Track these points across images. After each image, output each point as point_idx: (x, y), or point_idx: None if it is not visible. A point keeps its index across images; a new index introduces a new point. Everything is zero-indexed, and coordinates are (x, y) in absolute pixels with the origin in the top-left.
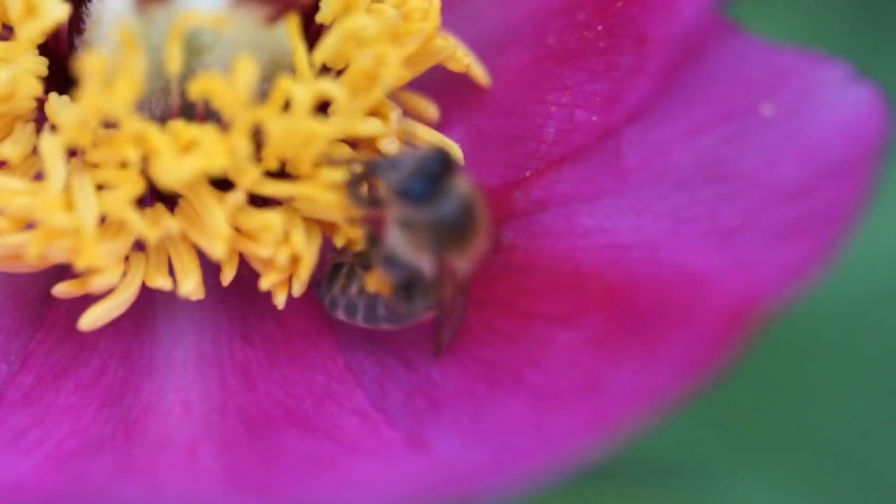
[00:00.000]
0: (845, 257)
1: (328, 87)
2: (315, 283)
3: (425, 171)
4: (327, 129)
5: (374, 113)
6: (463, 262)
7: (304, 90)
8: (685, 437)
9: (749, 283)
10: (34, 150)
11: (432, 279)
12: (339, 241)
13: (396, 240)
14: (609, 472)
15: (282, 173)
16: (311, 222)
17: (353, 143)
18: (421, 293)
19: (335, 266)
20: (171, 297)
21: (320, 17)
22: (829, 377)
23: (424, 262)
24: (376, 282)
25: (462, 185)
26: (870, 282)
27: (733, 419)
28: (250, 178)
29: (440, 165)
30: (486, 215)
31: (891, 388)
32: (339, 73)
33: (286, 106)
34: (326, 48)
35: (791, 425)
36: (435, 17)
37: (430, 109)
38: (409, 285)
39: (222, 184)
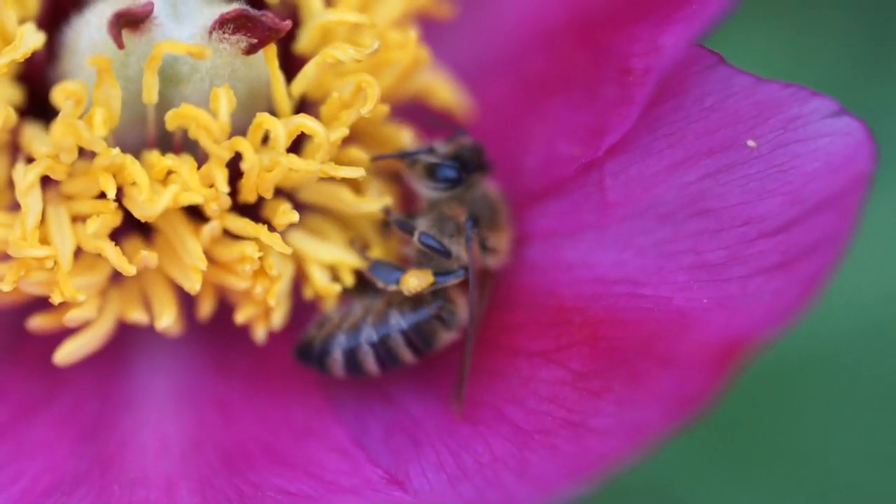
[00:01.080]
0: (836, 285)
1: (307, 123)
2: (302, 342)
3: (462, 156)
4: (305, 166)
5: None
6: (489, 258)
7: (282, 126)
8: (673, 463)
9: (734, 320)
10: (8, 180)
11: (464, 268)
12: (308, 290)
13: (429, 226)
14: (594, 500)
15: (257, 205)
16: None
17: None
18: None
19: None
20: (148, 330)
21: (299, 48)
22: (821, 404)
23: (455, 247)
24: (415, 279)
25: (489, 182)
26: (861, 308)
27: (723, 444)
28: (225, 212)
29: (475, 155)
30: (508, 213)
31: (884, 413)
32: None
33: (264, 139)
34: (305, 79)
35: (782, 451)
36: (413, 47)
37: (407, 139)
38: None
39: (198, 212)
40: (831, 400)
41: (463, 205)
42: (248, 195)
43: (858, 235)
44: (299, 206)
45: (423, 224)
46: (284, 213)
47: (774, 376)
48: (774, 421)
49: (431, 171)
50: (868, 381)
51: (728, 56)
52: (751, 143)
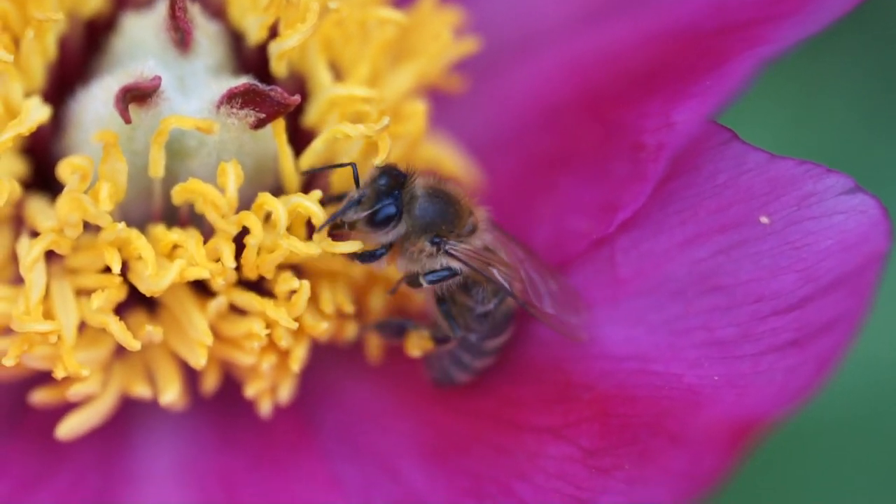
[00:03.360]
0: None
1: (306, 205)
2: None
3: (384, 186)
4: (305, 249)
5: None
6: (477, 240)
7: (282, 207)
8: None
9: (746, 399)
10: (12, 253)
11: (469, 269)
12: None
13: (410, 262)
14: None
15: (259, 282)
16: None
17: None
18: (481, 287)
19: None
20: (151, 404)
21: (307, 122)
22: (834, 468)
23: (447, 263)
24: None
25: (419, 180)
26: (870, 385)
27: None
28: (231, 286)
29: (390, 179)
30: (455, 187)
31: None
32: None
33: (267, 216)
34: (313, 154)
35: None
36: (421, 120)
37: None
38: (466, 286)
39: (203, 285)
40: (844, 464)
41: (416, 227)
42: (249, 273)
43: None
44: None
45: (402, 265)
46: (286, 282)
47: (788, 440)
48: (787, 484)
49: (373, 222)
50: (882, 445)
51: (733, 111)
52: (764, 219)
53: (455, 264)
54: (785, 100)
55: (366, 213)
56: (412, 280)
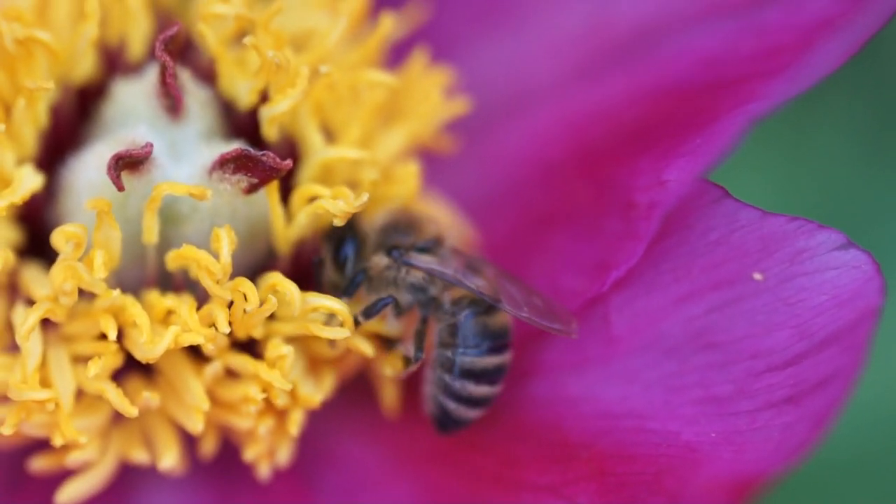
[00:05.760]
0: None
1: (282, 284)
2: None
3: (336, 232)
4: (282, 329)
5: None
6: (442, 253)
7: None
8: None
9: (742, 456)
10: (7, 322)
11: (433, 278)
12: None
13: (379, 286)
14: None
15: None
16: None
17: None
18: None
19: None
20: (150, 470)
21: (297, 183)
22: None
23: (408, 278)
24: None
25: (380, 216)
26: (871, 426)
27: None
28: (224, 350)
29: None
30: (420, 213)
31: None
32: None
33: None
34: (299, 227)
35: None
36: (413, 181)
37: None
38: (437, 304)
39: (198, 350)
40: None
41: (374, 247)
42: (240, 333)
43: (878, 334)
44: None
45: (381, 291)
46: (275, 348)
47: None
48: None
49: (339, 265)
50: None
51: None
52: (757, 276)
53: (417, 274)
54: (778, 139)
55: (331, 257)
56: (397, 309)
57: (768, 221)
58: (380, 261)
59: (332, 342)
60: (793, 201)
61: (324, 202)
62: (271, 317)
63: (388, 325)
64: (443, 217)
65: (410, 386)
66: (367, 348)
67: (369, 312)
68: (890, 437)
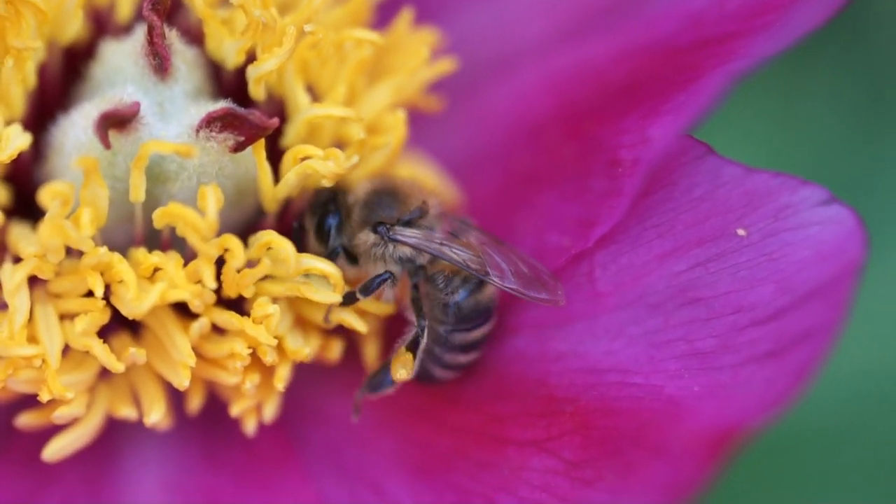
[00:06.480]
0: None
1: (275, 240)
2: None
3: (319, 200)
4: (274, 289)
5: None
6: (428, 224)
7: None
8: None
9: (725, 408)
10: None
11: (420, 252)
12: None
13: (366, 263)
14: None
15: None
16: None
17: None
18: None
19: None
20: (137, 425)
21: (286, 143)
22: (820, 475)
23: (395, 252)
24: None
25: (362, 185)
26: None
27: None
28: (211, 306)
29: (327, 194)
30: (403, 181)
31: (885, 485)
32: None
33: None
34: (287, 186)
35: None
36: (401, 129)
37: None
38: (428, 276)
39: (185, 307)
40: (831, 471)
41: (358, 223)
42: (229, 291)
43: (858, 303)
44: None
45: (371, 269)
46: (261, 307)
47: (774, 450)
48: (773, 494)
49: (322, 236)
50: (869, 452)
51: (715, 124)
52: (741, 231)
53: (405, 250)
54: (769, 109)
55: (315, 227)
56: (383, 280)
57: (752, 177)
58: (367, 238)
59: (325, 317)
60: (783, 171)
61: (313, 162)
62: (263, 277)
63: (384, 295)
64: (428, 178)
65: (394, 343)
66: (360, 325)
67: (368, 289)
68: (874, 406)
